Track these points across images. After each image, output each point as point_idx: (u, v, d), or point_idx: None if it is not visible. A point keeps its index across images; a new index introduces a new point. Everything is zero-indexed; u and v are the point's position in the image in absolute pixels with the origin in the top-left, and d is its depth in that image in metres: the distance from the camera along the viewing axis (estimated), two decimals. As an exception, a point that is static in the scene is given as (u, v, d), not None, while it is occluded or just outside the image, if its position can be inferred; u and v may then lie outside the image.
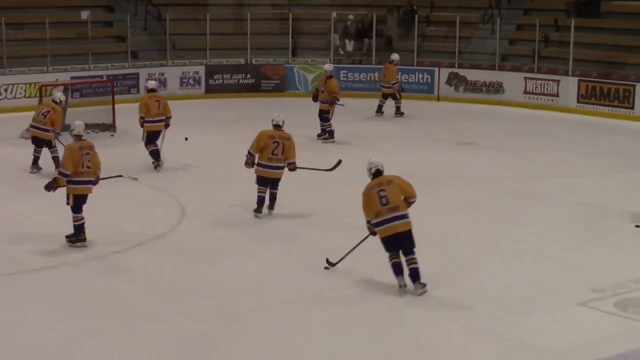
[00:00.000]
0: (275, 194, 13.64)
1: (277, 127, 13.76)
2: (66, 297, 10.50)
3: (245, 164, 13.76)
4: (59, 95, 17.15)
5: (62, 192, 12.14)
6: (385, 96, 22.18)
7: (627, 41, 23.51)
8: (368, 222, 10.81)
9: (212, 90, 24.80)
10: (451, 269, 11.51)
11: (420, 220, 11.27)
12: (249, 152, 13.72)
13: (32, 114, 19.10)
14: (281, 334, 9.42)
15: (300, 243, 12.44)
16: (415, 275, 10.41)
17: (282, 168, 13.62)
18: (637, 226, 12.93)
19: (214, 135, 19.63)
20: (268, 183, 13.60)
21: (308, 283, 10.93)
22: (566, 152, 18.46)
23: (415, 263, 10.42)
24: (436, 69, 25.16)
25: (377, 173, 10.86)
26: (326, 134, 19.09)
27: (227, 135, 19.19)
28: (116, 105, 20.29)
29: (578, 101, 23.14)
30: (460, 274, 11.36)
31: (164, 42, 24.93)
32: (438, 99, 24.89)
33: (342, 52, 26.26)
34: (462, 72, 24.96)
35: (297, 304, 10.28)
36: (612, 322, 9.85)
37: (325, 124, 19.09)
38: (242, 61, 25.51)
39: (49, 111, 16.32)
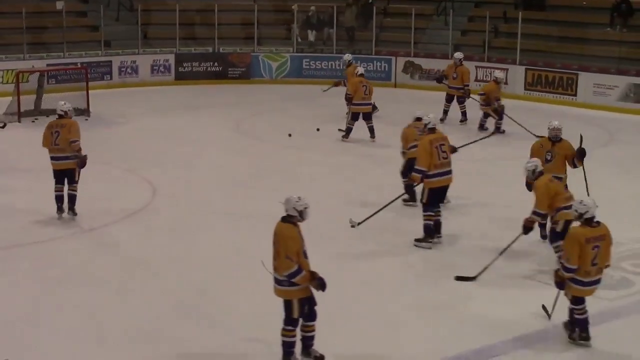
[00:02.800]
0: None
1: (432, 130, 11.68)
2: (42, 271, 10.44)
3: (413, 185, 12.10)
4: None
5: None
6: (450, 99, 19.82)
7: (571, 32, 23.66)
8: (420, 171, 11.29)
9: (181, 77, 24.67)
10: (404, 240, 11.57)
11: (378, 198, 11.24)
12: (417, 170, 11.41)
13: (9, 99, 19.06)
14: (249, 306, 9.41)
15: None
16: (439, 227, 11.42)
17: (451, 171, 11.61)
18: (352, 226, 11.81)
19: (184, 119, 19.54)
20: (442, 194, 11.70)
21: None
22: (513, 136, 18.55)
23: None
24: (393, 58, 25.20)
25: (432, 129, 11.67)
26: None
27: (197, 119, 19.11)
28: (90, 91, 20.16)
29: (525, 89, 23.27)
30: (412, 248, 11.43)
31: (135, 31, 24.72)
32: (395, 86, 24.91)
33: (300, 41, 26.16)
34: (417, 60, 25.00)
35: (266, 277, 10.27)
36: (555, 294, 9.94)
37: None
38: (210, 50, 25.38)
39: None
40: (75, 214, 12.15)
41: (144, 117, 19.80)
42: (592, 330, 8.70)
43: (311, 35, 26.35)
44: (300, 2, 26.23)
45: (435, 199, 11.48)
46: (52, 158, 12.11)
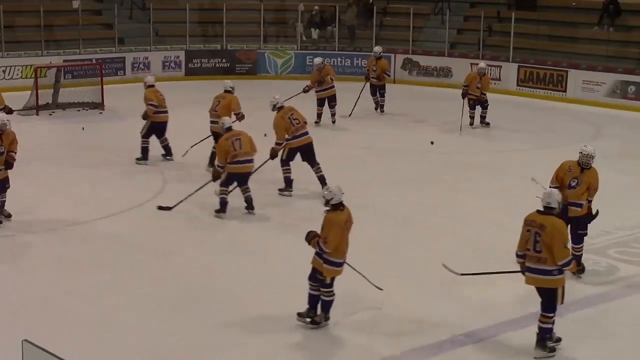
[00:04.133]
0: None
1: (280, 107, 13.03)
2: (57, 259, 10.47)
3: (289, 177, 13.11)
4: None
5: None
6: (473, 105, 18.61)
7: (561, 32, 23.66)
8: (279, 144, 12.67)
9: (191, 73, 24.65)
10: (399, 229, 11.61)
11: (378, 187, 11.31)
12: (277, 144, 12.91)
13: (28, 93, 19.06)
14: (261, 291, 9.45)
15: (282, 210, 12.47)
16: None
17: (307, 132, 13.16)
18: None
19: (193, 112, 19.52)
20: (302, 152, 13.09)
21: (286, 243, 10.96)
22: (506, 130, 18.58)
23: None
24: (392, 55, 25.11)
25: (280, 107, 13.03)
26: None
27: (206, 113, 19.08)
28: (104, 86, 20.15)
29: (517, 85, 23.25)
30: (407, 233, 11.48)
31: (147, 29, 24.70)
32: (394, 82, 24.81)
33: (305, 39, 26.16)
34: (415, 58, 24.97)
35: (279, 260, 10.31)
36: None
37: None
38: (219, 47, 25.37)
39: None
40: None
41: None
42: (580, 314, 8.75)
43: (314, 33, 26.33)
44: (305, 1, 26.23)
45: (293, 156, 13.02)
46: None
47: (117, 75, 23.38)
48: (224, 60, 25.06)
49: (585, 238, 10.00)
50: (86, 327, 8.49)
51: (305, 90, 18.08)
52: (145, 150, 14.88)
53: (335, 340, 8.42)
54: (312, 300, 8.61)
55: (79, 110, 19.26)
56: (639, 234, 11.63)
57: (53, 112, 19.15)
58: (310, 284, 8.59)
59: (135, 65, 24.06)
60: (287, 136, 12.89)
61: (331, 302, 8.56)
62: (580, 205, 9.79)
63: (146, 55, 24.26)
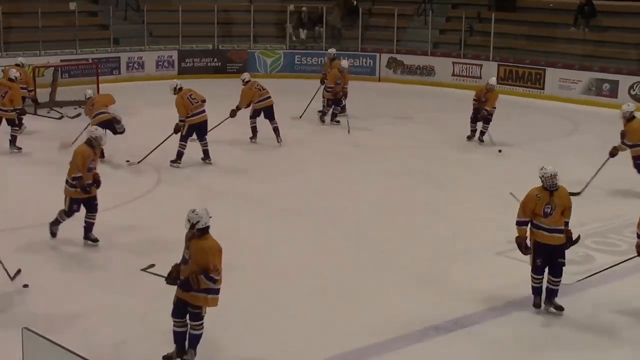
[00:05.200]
0: None
1: (180, 89, 14.28)
2: (57, 250, 10.41)
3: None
4: (13, 72, 15.99)
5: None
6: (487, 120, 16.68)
7: (539, 32, 23.68)
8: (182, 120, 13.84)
9: (184, 72, 24.53)
10: (390, 223, 11.60)
11: (364, 184, 11.28)
12: (181, 120, 14.17)
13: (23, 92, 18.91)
14: (260, 279, 9.41)
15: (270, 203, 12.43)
16: None
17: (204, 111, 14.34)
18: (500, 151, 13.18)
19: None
20: (198, 129, 14.26)
21: (277, 234, 10.94)
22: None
23: None
24: (377, 54, 25.15)
25: (180, 89, 13.96)
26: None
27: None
28: (100, 85, 20.03)
29: (497, 83, 23.14)
30: (393, 225, 11.47)
31: (142, 30, 24.61)
32: (379, 80, 24.89)
33: (294, 39, 26.14)
34: (399, 57, 24.95)
35: (275, 251, 10.29)
36: (525, 269, 9.96)
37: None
38: (210, 47, 25.30)
39: (6, 92, 15.09)
40: None
41: (150, 109, 19.70)
42: (559, 302, 8.75)
43: (302, 34, 26.29)
44: (294, 2, 26.19)
45: (192, 132, 14.18)
46: None
47: (112, 75, 23.28)
48: (215, 60, 25.00)
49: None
50: (83, 316, 8.45)
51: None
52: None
53: (318, 323, 8.39)
54: (180, 337, 7.48)
55: (75, 108, 19.15)
56: (614, 225, 11.65)
57: (51, 109, 19.03)
58: (176, 321, 7.45)
59: (130, 64, 23.97)
60: (188, 113, 14.06)
61: (201, 335, 7.46)
62: (561, 232, 8.72)
63: (140, 55, 24.18)
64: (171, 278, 7.40)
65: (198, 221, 7.31)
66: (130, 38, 24.61)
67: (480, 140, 16.65)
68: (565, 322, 8.61)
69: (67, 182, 10.31)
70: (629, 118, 13.23)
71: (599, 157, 13.93)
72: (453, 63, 23.99)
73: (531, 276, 8.81)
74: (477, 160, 15.48)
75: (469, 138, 16.82)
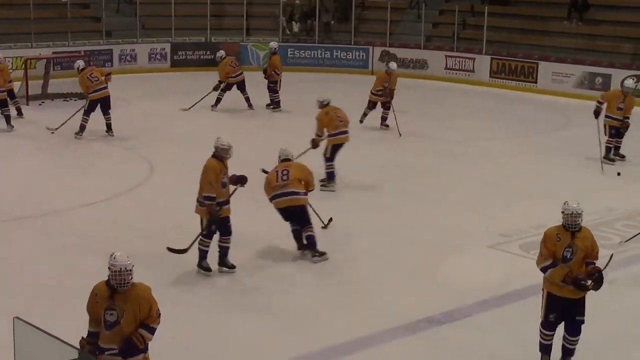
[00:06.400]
0: None
1: (327, 104, 13.00)
2: (54, 240, 10.39)
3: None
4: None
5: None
6: (616, 134, 14.85)
7: (532, 25, 23.70)
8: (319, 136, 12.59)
9: (176, 64, 24.52)
10: (379, 214, 11.60)
11: (357, 173, 11.23)
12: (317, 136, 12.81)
13: (18, 84, 18.88)
14: (249, 271, 9.41)
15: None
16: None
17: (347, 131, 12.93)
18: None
19: (179, 102, 19.44)
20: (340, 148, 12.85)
21: (263, 226, 10.93)
22: (480, 119, 18.62)
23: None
24: (370, 48, 25.15)
25: (327, 104, 12.71)
26: (273, 105, 18.88)
27: (190, 102, 19.03)
28: (93, 77, 19.96)
29: (490, 76, 23.28)
30: (387, 218, 11.46)
31: (134, 22, 24.55)
32: (372, 73, 24.76)
33: (288, 32, 26.12)
34: (392, 50, 24.94)
35: (262, 241, 10.29)
36: (517, 262, 10.01)
37: (273, 94, 18.86)
38: (203, 39, 25.23)
39: None
40: None
41: (142, 101, 19.71)
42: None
43: (295, 27, 26.26)
44: (288, -5, 26.21)
45: (94, 107, 15.10)
46: None
47: (104, 67, 23.09)
48: (208, 52, 24.85)
49: (554, 222, 9.94)
50: (76, 306, 8.42)
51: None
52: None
53: (310, 315, 8.40)
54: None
55: (67, 100, 19.11)
56: (606, 218, 11.66)
57: (43, 102, 19.00)
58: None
59: (122, 57, 23.91)
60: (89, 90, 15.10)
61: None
62: (585, 286, 7.23)
63: (133, 47, 24.12)
64: (88, 354, 5.88)
65: (120, 269, 6.02)
66: (122, 30, 24.55)
67: (620, 156, 14.88)
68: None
69: (198, 200, 9.22)
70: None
71: (592, 151, 14.02)
72: (446, 56, 24.00)
73: (540, 331, 7.44)
74: (468, 153, 15.48)
75: (608, 157, 14.67)
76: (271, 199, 9.85)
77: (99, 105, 15.56)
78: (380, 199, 12.40)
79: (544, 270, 7.29)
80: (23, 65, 19.73)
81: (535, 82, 22.48)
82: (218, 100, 18.41)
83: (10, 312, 5.78)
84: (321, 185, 12.37)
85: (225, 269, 9.40)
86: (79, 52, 22.36)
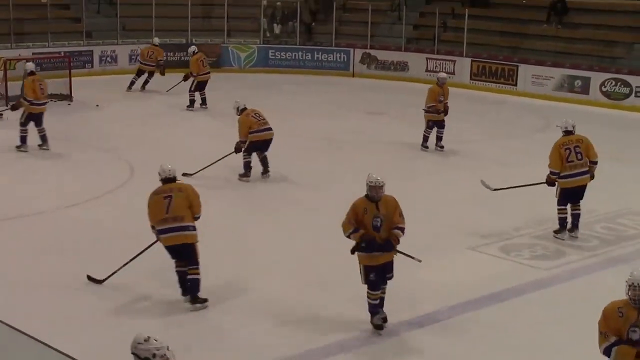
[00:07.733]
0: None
1: (568, 132, 10.93)
2: (34, 241, 10.33)
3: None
4: None
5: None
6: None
7: (512, 28, 23.81)
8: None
9: (157, 65, 24.38)
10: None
11: (336, 179, 11.22)
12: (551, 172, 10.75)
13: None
14: (240, 269, 9.41)
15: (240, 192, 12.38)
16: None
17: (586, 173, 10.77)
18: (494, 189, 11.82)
19: (159, 104, 19.41)
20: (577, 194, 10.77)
21: (243, 226, 10.92)
22: (461, 122, 18.62)
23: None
24: (351, 50, 25.18)
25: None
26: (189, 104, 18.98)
27: (171, 104, 19.00)
28: (72, 78, 19.92)
29: (471, 79, 23.37)
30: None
31: (115, 23, 24.46)
32: (353, 75, 24.91)
33: (269, 34, 26.11)
34: (373, 52, 25.00)
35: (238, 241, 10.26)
36: (497, 264, 10.04)
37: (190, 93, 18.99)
38: (184, 41, 25.13)
39: None
40: None
41: (123, 103, 19.65)
42: (530, 297, 8.82)
43: (277, 28, 26.26)
44: (268, -3, 26.22)
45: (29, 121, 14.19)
46: None
47: (85, 68, 23.12)
48: (188, 54, 24.83)
49: (533, 224, 10.03)
50: (56, 308, 8.38)
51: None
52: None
53: (292, 317, 8.39)
54: None
55: (54, 102, 18.99)
56: (586, 221, 11.68)
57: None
58: None
59: (102, 58, 23.82)
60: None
61: None
62: None
63: (113, 48, 24.04)
64: (375, 246, 8.07)
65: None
66: (103, 31, 24.46)
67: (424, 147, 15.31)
68: (536, 316, 8.66)
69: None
70: None
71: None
72: (427, 59, 24.05)
73: None
74: (447, 154, 15.50)
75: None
76: (159, 233, 8.59)
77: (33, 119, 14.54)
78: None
79: (605, 353, 6.15)
80: (2, 66, 19.59)
81: (515, 85, 22.58)
82: (192, 102, 18.61)
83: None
84: (240, 177, 13.00)
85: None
86: (58, 53, 22.28)
